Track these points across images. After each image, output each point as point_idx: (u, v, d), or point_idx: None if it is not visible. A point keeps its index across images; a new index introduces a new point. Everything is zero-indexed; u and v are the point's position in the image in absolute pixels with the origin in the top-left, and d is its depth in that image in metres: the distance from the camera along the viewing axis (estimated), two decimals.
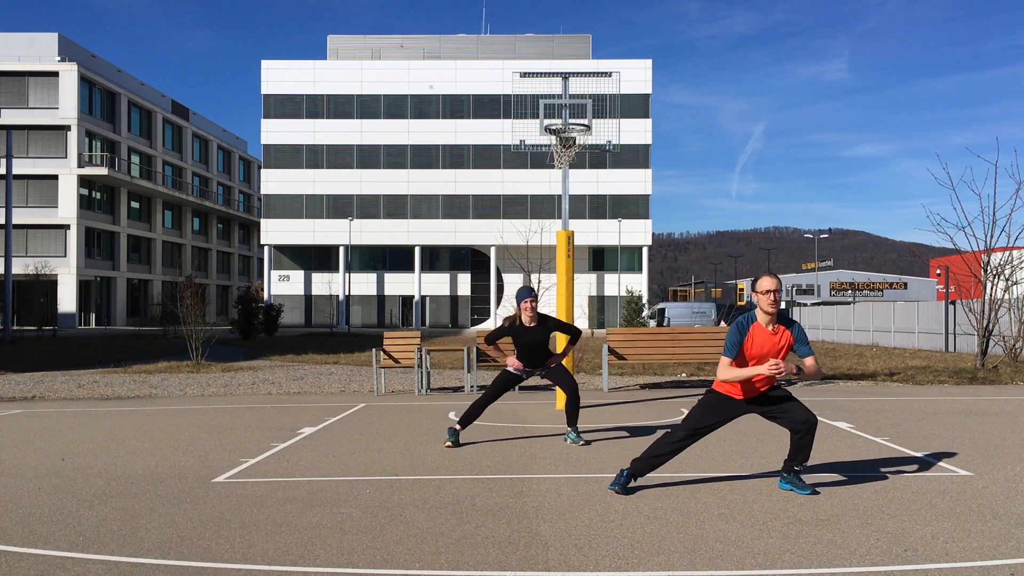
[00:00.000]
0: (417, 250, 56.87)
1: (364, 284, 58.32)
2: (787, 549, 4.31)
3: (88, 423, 9.57)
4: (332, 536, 4.61)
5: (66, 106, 52.84)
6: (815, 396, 11.95)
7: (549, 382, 7.99)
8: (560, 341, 9.35)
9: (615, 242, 56.16)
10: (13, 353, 24.29)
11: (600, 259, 57.99)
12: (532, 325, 7.67)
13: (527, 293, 7.66)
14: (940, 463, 6.63)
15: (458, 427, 7.65)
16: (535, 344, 7.71)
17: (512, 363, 7.73)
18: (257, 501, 5.47)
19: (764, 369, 5.30)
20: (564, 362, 10.50)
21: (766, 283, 5.40)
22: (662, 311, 42.05)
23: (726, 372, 5.49)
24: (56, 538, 4.62)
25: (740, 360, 5.49)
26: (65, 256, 52.49)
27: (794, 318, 5.63)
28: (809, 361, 5.49)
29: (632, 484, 5.70)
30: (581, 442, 7.67)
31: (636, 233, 56.28)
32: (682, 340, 13.49)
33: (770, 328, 5.44)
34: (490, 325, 55.23)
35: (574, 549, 4.34)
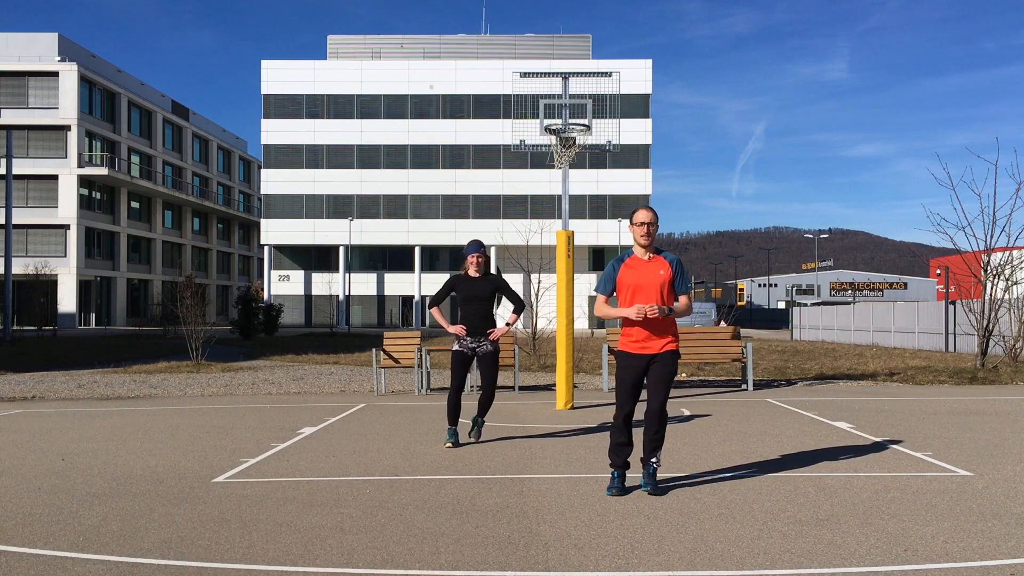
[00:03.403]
0: (417, 250, 56.88)
1: (364, 284, 58.32)
2: (787, 549, 4.31)
3: (88, 423, 9.57)
4: (332, 536, 4.61)
5: (66, 106, 52.84)
6: (815, 396, 11.96)
7: (480, 369, 7.84)
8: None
9: (615, 242, 56.15)
10: (13, 353, 24.29)
11: (600, 259, 57.98)
12: (477, 276, 7.63)
13: (476, 247, 7.60)
14: (940, 463, 6.63)
15: (452, 427, 7.64)
16: (477, 296, 7.59)
17: (455, 329, 7.58)
18: (257, 501, 5.47)
19: (630, 312, 5.44)
20: (565, 365, 10.52)
21: (640, 215, 5.61)
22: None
23: (598, 309, 5.74)
24: (56, 538, 4.62)
25: (621, 299, 5.63)
26: (65, 256, 52.49)
27: (673, 253, 5.67)
28: (683, 299, 5.64)
29: (627, 483, 5.68)
30: (476, 439, 7.73)
31: None
32: (682, 340, 13.45)
33: (646, 258, 5.61)
34: None
35: (574, 549, 4.34)
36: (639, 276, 5.56)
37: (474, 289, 7.61)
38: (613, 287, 5.67)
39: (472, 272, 7.62)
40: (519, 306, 7.84)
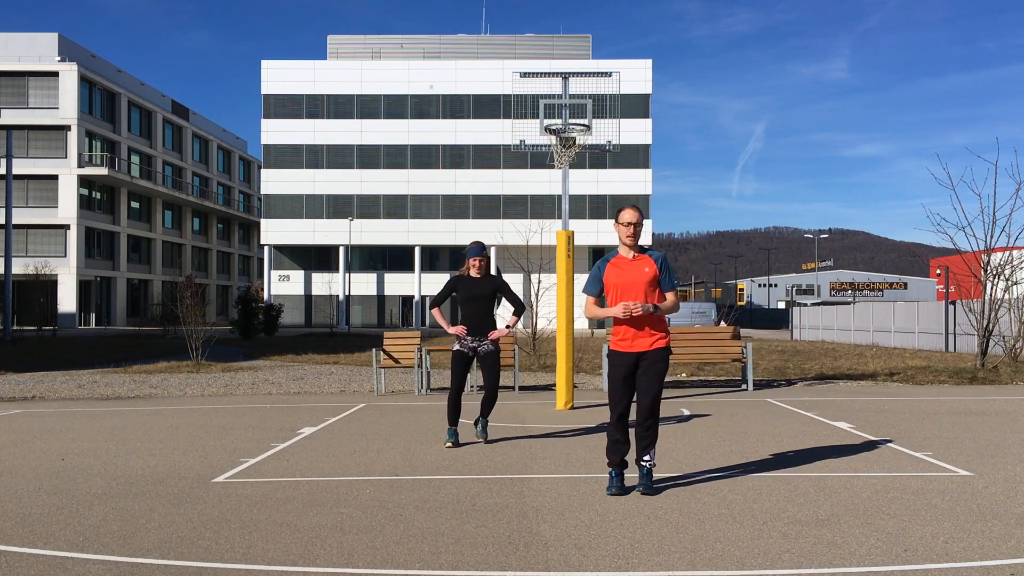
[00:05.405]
0: (417, 250, 56.87)
1: (364, 284, 58.31)
2: (787, 549, 4.31)
3: (88, 423, 9.57)
4: (332, 536, 4.61)
5: (66, 106, 52.84)
6: (816, 397, 11.96)
7: (482, 368, 7.86)
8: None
9: (615, 242, 56.03)
10: (13, 353, 24.29)
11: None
12: (478, 277, 7.65)
13: (477, 251, 7.60)
14: (940, 463, 6.63)
15: (452, 427, 7.65)
16: (478, 297, 7.61)
17: (455, 330, 7.60)
18: (257, 501, 5.47)
19: (616, 311, 5.45)
20: (565, 365, 10.52)
21: (625, 215, 5.62)
22: None
23: (588, 310, 5.78)
24: (56, 538, 4.62)
25: (609, 299, 5.64)
26: (65, 256, 52.49)
27: (660, 252, 5.69)
28: (669, 296, 5.63)
29: (626, 483, 5.67)
30: (484, 439, 7.74)
31: None
32: (682, 340, 13.47)
33: (630, 256, 5.62)
34: None
35: (574, 549, 4.34)
36: (624, 275, 5.56)
37: (475, 289, 7.64)
38: (600, 287, 5.66)
39: (473, 273, 7.65)
40: (519, 308, 7.86)
